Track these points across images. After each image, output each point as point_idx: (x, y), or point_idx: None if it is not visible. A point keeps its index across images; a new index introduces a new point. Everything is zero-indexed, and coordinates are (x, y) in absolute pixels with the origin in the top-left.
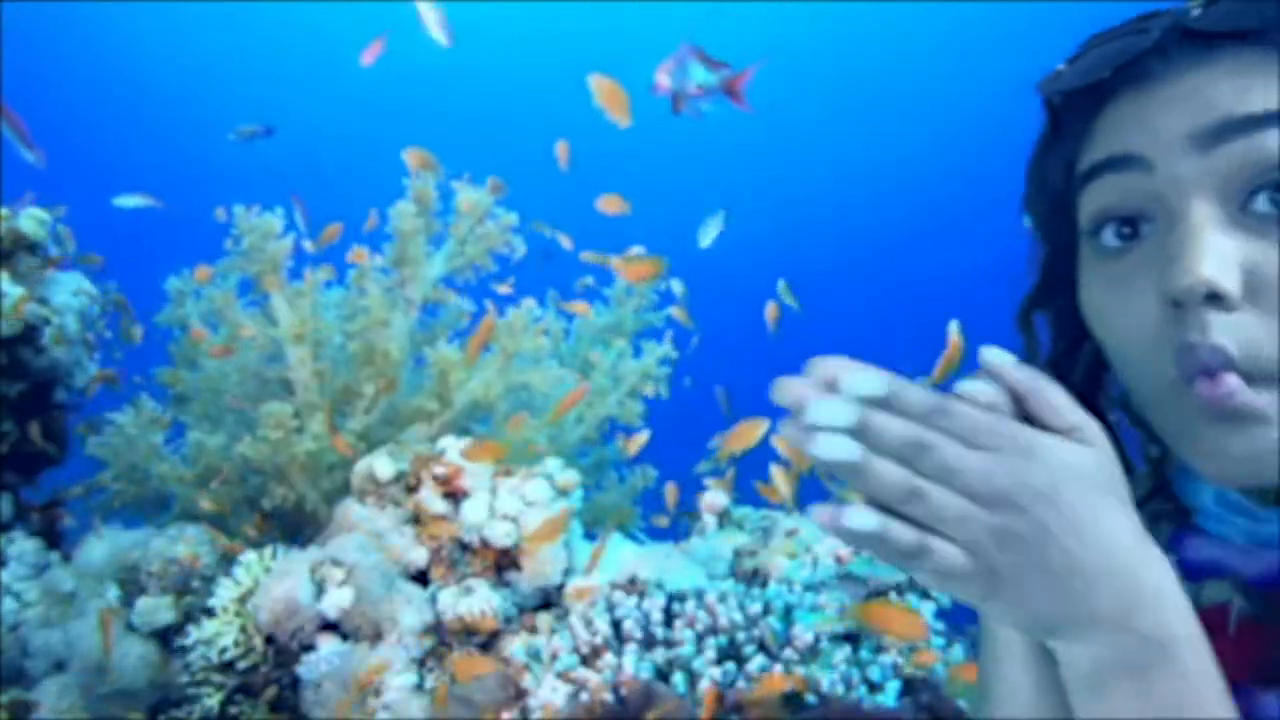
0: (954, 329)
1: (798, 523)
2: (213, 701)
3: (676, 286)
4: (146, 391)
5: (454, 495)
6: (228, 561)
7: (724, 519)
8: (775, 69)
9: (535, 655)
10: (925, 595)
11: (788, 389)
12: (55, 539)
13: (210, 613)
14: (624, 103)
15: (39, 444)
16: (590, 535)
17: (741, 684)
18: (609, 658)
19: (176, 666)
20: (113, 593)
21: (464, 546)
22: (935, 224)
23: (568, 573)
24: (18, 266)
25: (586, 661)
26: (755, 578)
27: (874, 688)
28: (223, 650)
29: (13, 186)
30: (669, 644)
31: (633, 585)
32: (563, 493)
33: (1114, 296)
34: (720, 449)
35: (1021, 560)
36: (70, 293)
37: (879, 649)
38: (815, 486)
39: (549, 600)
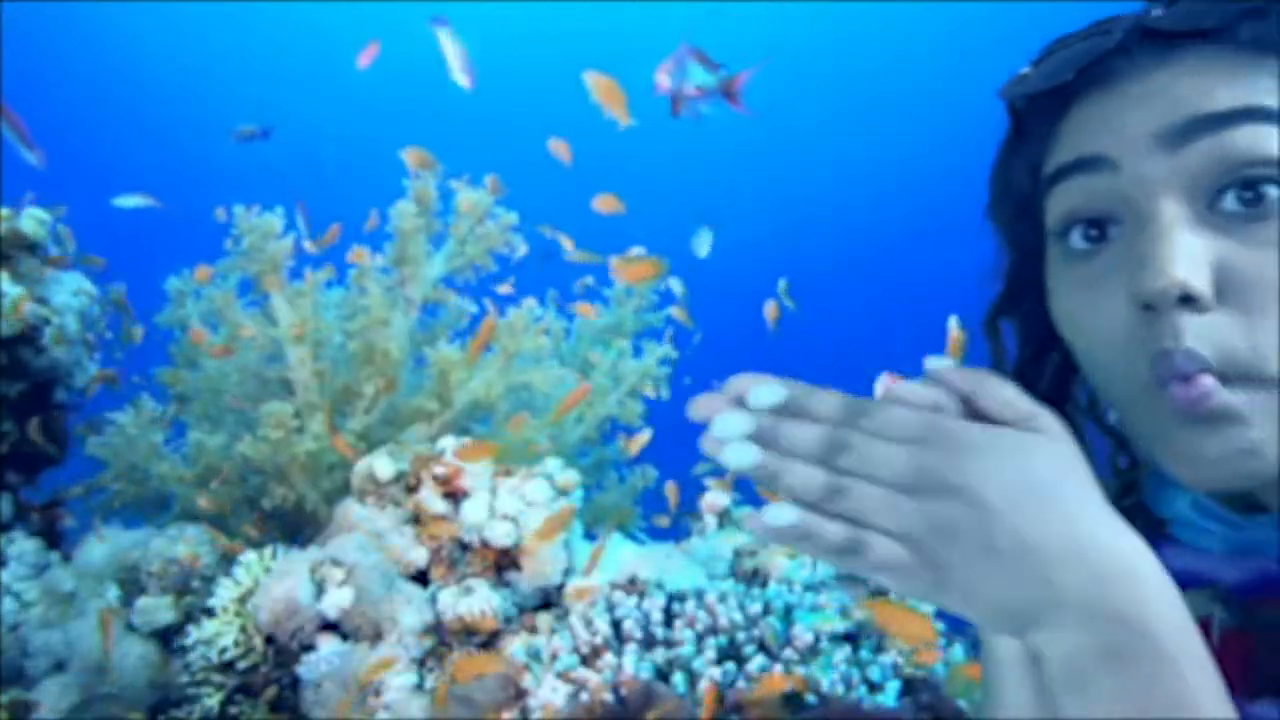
0: (954, 324)
1: None
2: (213, 701)
3: (676, 286)
4: (146, 391)
5: (454, 495)
6: (228, 561)
7: (724, 519)
8: (775, 69)
9: (535, 655)
10: None
11: (700, 406)
12: (55, 539)
13: (210, 613)
14: (621, 99)
15: (39, 443)
16: (590, 535)
17: (741, 684)
18: (609, 658)
19: (176, 666)
20: (113, 593)
21: (464, 546)
22: (935, 224)
23: (568, 573)
24: (18, 266)
25: (586, 661)
26: (755, 578)
27: (874, 688)
28: (223, 650)
29: (13, 186)
30: (669, 644)
31: (633, 585)
32: (563, 493)
33: (1084, 299)
34: None
35: (963, 546)
36: (70, 293)
37: (879, 649)
38: None
39: (549, 600)
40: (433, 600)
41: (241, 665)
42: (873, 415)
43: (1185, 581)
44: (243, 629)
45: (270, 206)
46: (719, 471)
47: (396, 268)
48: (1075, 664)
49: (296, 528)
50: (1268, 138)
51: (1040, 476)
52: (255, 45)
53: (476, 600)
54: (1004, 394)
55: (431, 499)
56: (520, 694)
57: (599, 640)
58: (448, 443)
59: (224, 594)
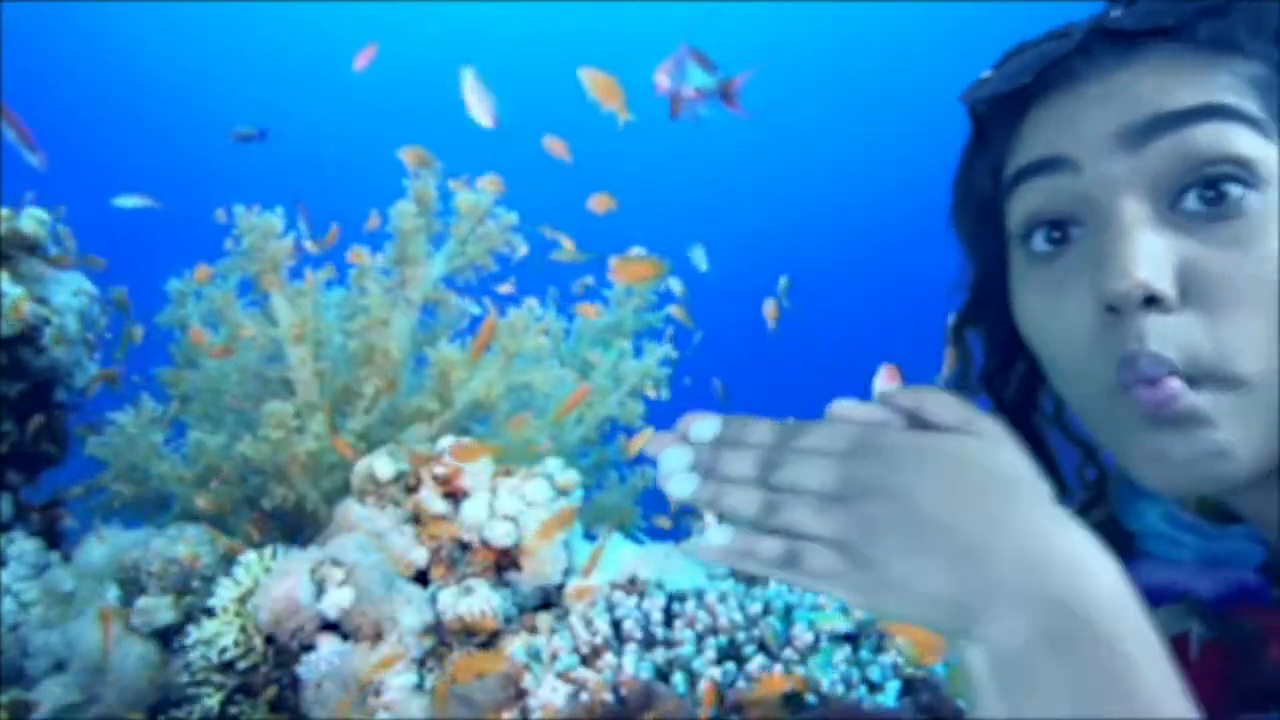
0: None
1: None
2: (213, 701)
3: (676, 286)
4: (146, 391)
5: (454, 495)
6: (228, 561)
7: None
8: (775, 69)
9: (535, 655)
10: None
11: (651, 444)
12: (55, 539)
13: (210, 613)
14: (618, 94)
15: (39, 442)
16: (590, 535)
17: (741, 684)
18: (609, 658)
19: (176, 666)
20: (113, 593)
21: (464, 546)
22: (936, 224)
23: (568, 573)
24: (18, 266)
25: (586, 661)
26: (755, 578)
27: (874, 688)
28: (223, 650)
29: (13, 186)
30: (669, 644)
31: (633, 585)
32: (563, 493)
33: (1047, 302)
34: None
35: (892, 542)
36: (70, 293)
37: (879, 649)
38: None
39: (549, 600)
40: (433, 600)
41: (241, 665)
42: (806, 435)
43: (1160, 595)
44: (243, 629)
45: (270, 206)
46: None
47: (397, 268)
48: (1014, 654)
49: (296, 528)
50: (1228, 136)
51: (972, 472)
52: (255, 45)
53: (476, 600)
54: (942, 403)
55: (431, 499)
56: (520, 694)
57: (599, 640)
58: (447, 443)
59: (224, 594)
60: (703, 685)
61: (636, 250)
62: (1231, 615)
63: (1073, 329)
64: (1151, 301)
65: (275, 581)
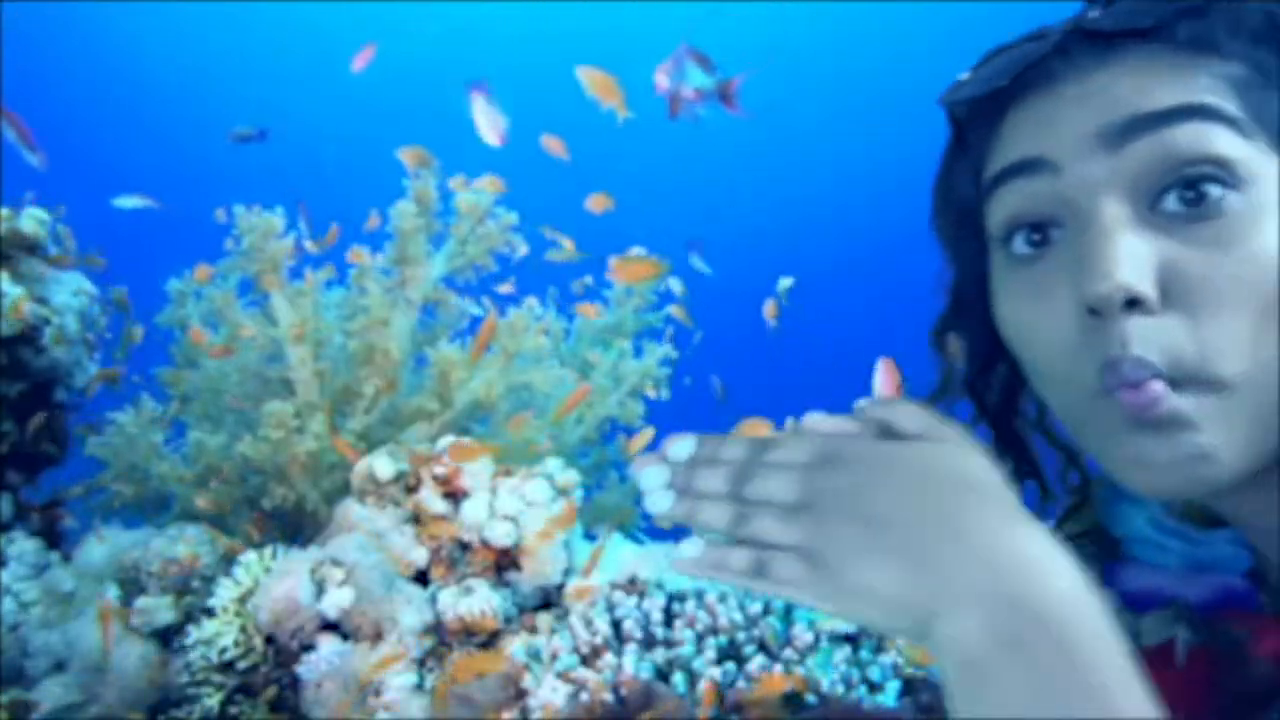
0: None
1: None
2: (213, 701)
3: (676, 286)
4: (146, 391)
5: (454, 495)
6: (228, 561)
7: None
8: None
9: (535, 655)
10: None
11: (636, 465)
12: (55, 539)
13: (210, 613)
14: (616, 91)
15: (39, 442)
16: (590, 535)
17: (741, 684)
18: (609, 658)
19: (176, 666)
20: (113, 593)
21: (464, 546)
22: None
23: (568, 573)
24: (18, 266)
25: (586, 661)
26: None
27: (874, 688)
28: (223, 650)
29: (13, 186)
30: (669, 644)
31: (633, 585)
32: (563, 493)
33: (1028, 305)
34: None
35: (851, 546)
36: (70, 293)
37: (879, 649)
38: None
39: (549, 600)
40: (433, 600)
41: (241, 665)
42: (775, 448)
43: (1146, 600)
44: (243, 629)
45: (270, 206)
46: None
47: (397, 268)
48: (970, 654)
49: (296, 528)
50: (1208, 136)
51: (932, 477)
52: (255, 45)
53: (476, 600)
54: (908, 413)
55: (431, 499)
56: (520, 694)
57: (599, 640)
58: (447, 443)
59: (224, 594)
60: (703, 685)
61: (636, 250)
62: (1218, 621)
63: (1054, 332)
64: (1133, 304)
65: (275, 581)
